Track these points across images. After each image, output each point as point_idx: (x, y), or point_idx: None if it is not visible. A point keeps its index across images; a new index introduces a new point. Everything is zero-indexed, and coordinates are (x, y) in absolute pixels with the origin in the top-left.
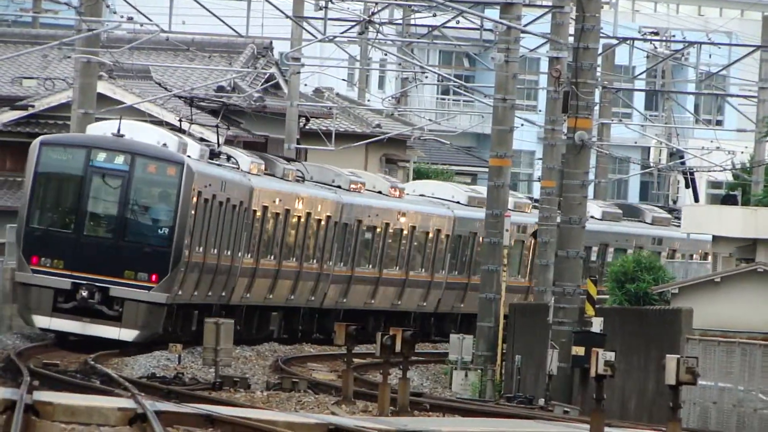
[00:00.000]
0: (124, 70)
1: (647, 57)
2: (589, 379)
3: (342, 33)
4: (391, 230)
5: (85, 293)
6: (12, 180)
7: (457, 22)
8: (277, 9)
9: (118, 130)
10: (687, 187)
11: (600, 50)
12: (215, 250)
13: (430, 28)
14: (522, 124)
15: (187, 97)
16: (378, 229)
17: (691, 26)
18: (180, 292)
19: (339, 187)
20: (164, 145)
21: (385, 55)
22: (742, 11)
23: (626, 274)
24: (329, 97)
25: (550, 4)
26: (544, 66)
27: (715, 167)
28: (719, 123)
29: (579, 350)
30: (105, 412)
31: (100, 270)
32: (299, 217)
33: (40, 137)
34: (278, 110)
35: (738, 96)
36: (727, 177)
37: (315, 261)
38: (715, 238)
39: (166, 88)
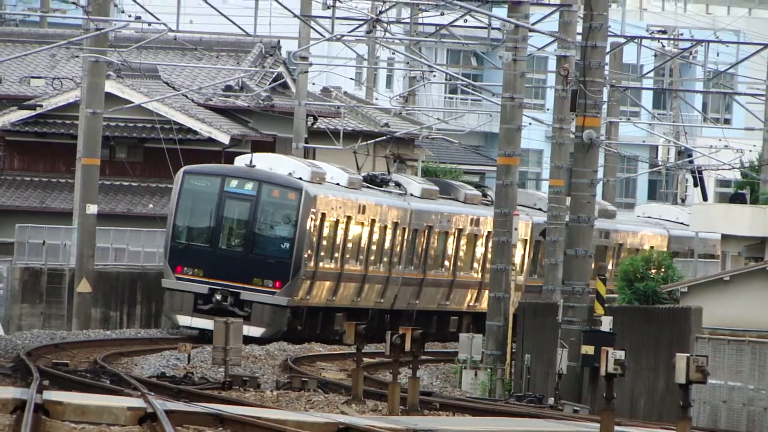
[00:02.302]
0: (132, 70)
1: (655, 55)
2: (599, 378)
3: (350, 32)
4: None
5: (220, 297)
6: (20, 179)
7: (465, 21)
8: (285, 8)
9: (251, 162)
10: (695, 185)
11: (608, 49)
12: (331, 262)
13: (438, 27)
14: (530, 123)
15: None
16: None
17: (698, 24)
18: (299, 297)
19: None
20: (293, 173)
21: (393, 54)
22: (750, 9)
23: (636, 272)
24: (337, 96)
25: (558, 2)
26: (552, 65)
27: (724, 166)
28: (727, 121)
29: (588, 349)
30: (115, 411)
31: (233, 278)
32: (447, 233)
33: (184, 167)
34: (286, 109)
35: (746, 94)
36: (736, 175)
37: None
38: (723, 236)
39: (174, 87)
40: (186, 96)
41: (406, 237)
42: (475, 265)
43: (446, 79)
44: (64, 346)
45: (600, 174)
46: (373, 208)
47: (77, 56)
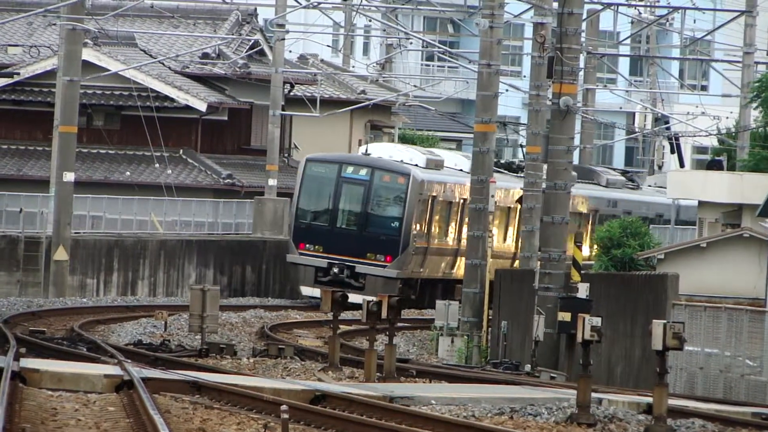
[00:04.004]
0: (109, 38)
1: (632, 22)
2: (576, 344)
3: None
4: None
5: (337, 270)
6: None
7: None
8: None
9: (366, 150)
10: (672, 152)
11: (584, 16)
12: (438, 239)
13: None
14: (507, 90)
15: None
16: None
17: None
18: (407, 269)
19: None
20: (409, 160)
21: (370, 21)
22: None
23: (612, 239)
24: (314, 64)
25: None
26: (528, 32)
27: (701, 132)
28: (704, 88)
29: (565, 316)
30: (92, 379)
31: (349, 253)
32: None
33: (307, 155)
34: (263, 77)
35: (723, 61)
36: (713, 142)
37: None
38: (700, 203)
39: (151, 55)
40: (163, 64)
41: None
42: None
43: (423, 47)
44: (41, 314)
45: (577, 141)
46: None
47: (54, 24)
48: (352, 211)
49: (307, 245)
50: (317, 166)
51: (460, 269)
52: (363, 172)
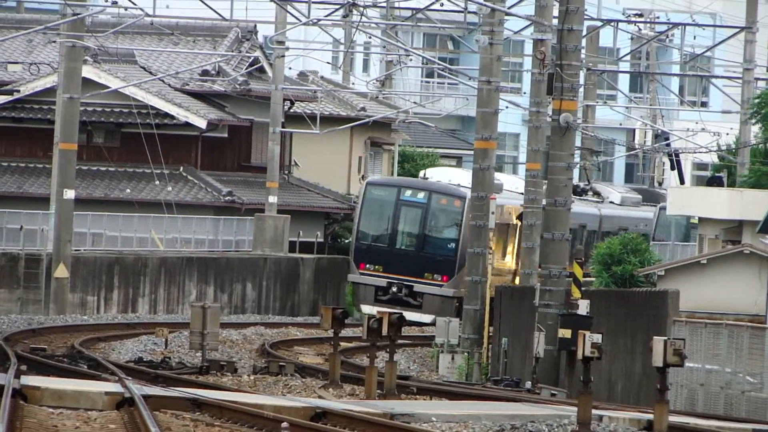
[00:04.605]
0: (109, 55)
1: (632, 39)
2: (576, 361)
3: (326, 16)
4: None
5: (396, 289)
6: None
7: (441, 5)
8: None
9: (425, 175)
10: (672, 168)
11: (584, 32)
12: (495, 260)
13: (414, 11)
14: (507, 107)
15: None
16: None
17: (675, 7)
18: (463, 289)
19: None
20: (465, 184)
21: (370, 38)
22: None
23: (612, 256)
24: (314, 81)
25: None
26: (528, 48)
27: (701, 149)
28: (704, 104)
29: (566, 333)
30: (92, 396)
31: (407, 273)
32: None
33: (367, 179)
34: (263, 94)
35: (723, 77)
36: (713, 159)
37: None
38: (701, 219)
39: (150, 72)
40: (163, 81)
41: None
42: None
43: (423, 63)
44: (41, 331)
45: (577, 158)
46: None
47: (54, 41)
48: (410, 232)
49: (368, 265)
50: (377, 189)
51: None
52: (420, 195)
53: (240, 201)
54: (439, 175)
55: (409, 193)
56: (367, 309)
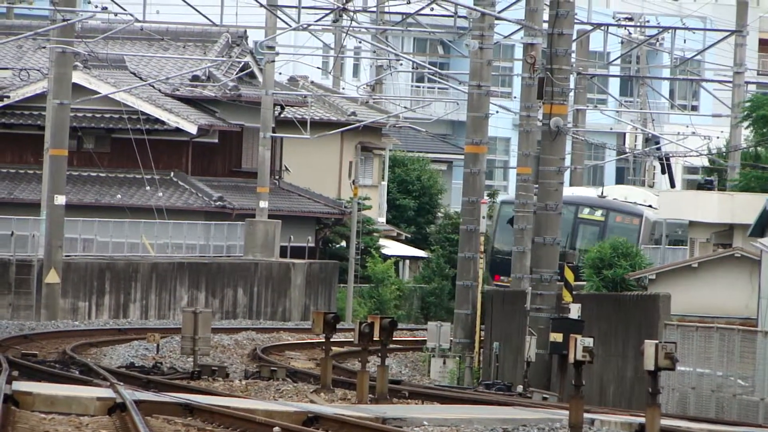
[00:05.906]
0: (99, 60)
1: (622, 43)
2: (568, 365)
3: (316, 21)
4: None
5: None
6: None
7: (432, 9)
8: None
9: (602, 193)
10: (663, 172)
11: (574, 36)
12: None
13: (405, 16)
14: (497, 111)
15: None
16: None
17: (665, 11)
18: None
19: None
20: (642, 202)
21: (360, 42)
22: None
23: (603, 260)
24: (304, 86)
25: None
26: (518, 52)
27: (691, 152)
28: (694, 108)
29: (557, 337)
30: (84, 401)
31: None
32: None
33: (500, 197)
34: (253, 99)
35: (713, 81)
36: (703, 162)
37: None
38: (691, 223)
39: (141, 78)
40: (153, 86)
41: None
42: None
43: (413, 68)
44: (32, 337)
45: (567, 162)
46: None
47: (44, 47)
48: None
49: (502, 277)
50: (508, 206)
51: None
52: (598, 213)
53: (231, 206)
54: (622, 192)
55: (587, 211)
56: None
